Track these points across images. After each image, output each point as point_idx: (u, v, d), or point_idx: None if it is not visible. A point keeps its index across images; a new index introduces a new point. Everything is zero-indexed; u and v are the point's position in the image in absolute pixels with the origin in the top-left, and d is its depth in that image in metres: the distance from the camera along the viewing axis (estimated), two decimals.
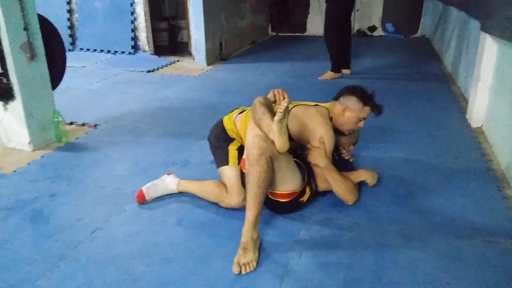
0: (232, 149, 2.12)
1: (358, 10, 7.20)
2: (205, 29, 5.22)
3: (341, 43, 4.51)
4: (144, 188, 2.09)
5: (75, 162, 2.60)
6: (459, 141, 2.84)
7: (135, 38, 5.79)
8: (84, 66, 5.21)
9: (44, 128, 2.82)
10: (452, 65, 4.53)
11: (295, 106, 2.12)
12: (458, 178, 2.33)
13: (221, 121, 2.24)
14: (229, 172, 2.06)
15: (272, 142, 1.71)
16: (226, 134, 2.18)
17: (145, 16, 5.70)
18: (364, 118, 2.16)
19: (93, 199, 2.17)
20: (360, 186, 2.21)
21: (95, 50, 5.92)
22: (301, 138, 2.05)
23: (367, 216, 2.00)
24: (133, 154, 2.71)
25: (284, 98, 2.15)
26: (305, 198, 1.99)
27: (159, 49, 6.03)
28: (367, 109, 2.13)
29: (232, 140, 2.16)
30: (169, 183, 2.14)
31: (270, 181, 1.73)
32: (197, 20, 5.20)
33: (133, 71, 5.00)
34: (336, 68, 4.61)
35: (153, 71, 5.06)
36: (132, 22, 5.73)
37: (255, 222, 1.70)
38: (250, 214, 1.69)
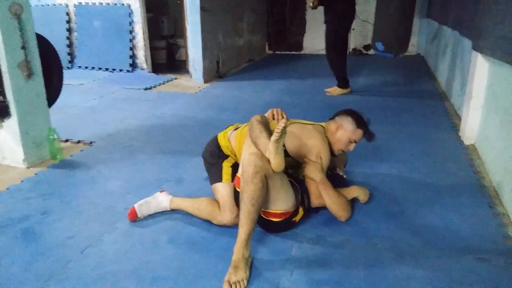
0: (226, 166, 2.13)
1: (353, 29, 7.29)
2: (203, 47, 5.29)
3: (344, 60, 4.57)
4: (136, 206, 2.10)
5: (68, 179, 2.60)
6: (452, 158, 2.86)
7: (133, 56, 5.86)
8: (82, 84, 5.25)
9: (39, 146, 2.83)
10: (446, 83, 4.58)
11: (292, 123, 2.15)
12: (450, 195, 2.34)
13: (216, 138, 2.26)
14: (222, 189, 2.07)
15: (268, 161, 1.72)
16: (221, 151, 2.19)
17: (143, 35, 5.78)
18: (355, 141, 2.18)
19: (86, 217, 2.16)
20: (353, 202, 2.22)
21: (93, 68, 5.99)
22: (298, 154, 2.08)
23: (359, 233, 2.00)
24: (127, 171, 2.72)
25: (282, 118, 2.19)
26: (298, 218, 1.99)
27: (157, 67, 6.10)
28: (359, 132, 2.17)
29: (227, 157, 2.17)
30: (162, 200, 2.14)
31: (264, 199, 1.74)
32: (194, 38, 5.28)
33: (131, 88, 5.04)
34: (343, 84, 4.68)
35: (150, 88, 5.11)
36: (131, 40, 5.81)
37: (247, 240, 1.70)
38: (243, 232, 1.69)
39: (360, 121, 2.18)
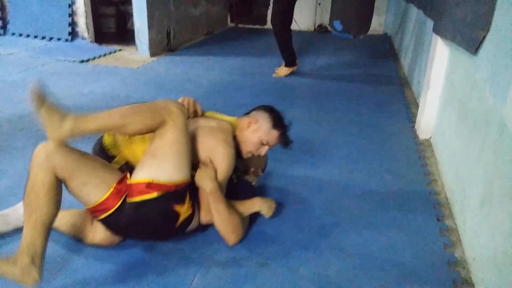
0: None
1: (320, 4, 6.86)
2: (149, 16, 4.76)
3: (290, 36, 4.14)
4: None
5: None
6: (403, 156, 2.55)
7: (73, 24, 5.25)
8: (11, 54, 4.65)
9: None
10: (408, 68, 4.27)
11: (197, 118, 1.77)
12: (394, 204, 2.03)
13: (100, 138, 1.84)
14: None
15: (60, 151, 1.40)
16: (105, 152, 1.78)
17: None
18: (268, 144, 1.80)
19: None
20: (286, 213, 1.88)
21: (28, 35, 5.35)
22: (196, 154, 1.70)
23: (280, 255, 1.65)
24: (22, 165, 2.27)
25: (194, 110, 1.81)
26: (183, 210, 1.55)
27: (103, 37, 5.52)
28: (274, 133, 1.79)
29: (113, 158, 1.76)
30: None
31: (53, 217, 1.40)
32: (139, 5, 4.72)
33: (65, 60, 4.49)
34: (290, 63, 4.25)
35: (87, 61, 4.57)
36: (70, 5, 5.18)
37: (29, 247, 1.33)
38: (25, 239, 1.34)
39: (278, 121, 1.80)
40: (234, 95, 3.60)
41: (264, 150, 1.80)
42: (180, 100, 1.82)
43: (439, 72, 2.65)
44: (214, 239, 1.70)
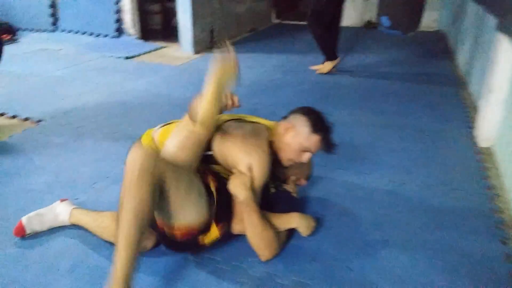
0: None
1: None
2: (193, 14, 4.71)
3: (326, 31, 3.88)
4: (24, 219, 1.64)
5: None
6: (461, 166, 2.32)
7: (119, 21, 5.32)
8: (61, 49, 4.77)
9: None
10: (465, 68, 3.94)
11: (230, 120, 1.65)
12: (450, 222, 1.82)
13: (139, 140, 1.77)
14: None
15: (164, 160, 1.29)
16: None
17: None
18: (309, 150, 1.64)
19: None
20: (328, 226, 1.73)
21: (77, 32, 5.48)
22: (227, 162, 1.58)
23: (320, 274, 1.51)
24: (61, 161, 2.26)
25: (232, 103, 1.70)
26: (208, 239, 1.50)
27: (149, 33, 5.55)
28: (314, 138, 1.61)
29: None
30: (60, 212, 1.68)
31: (151, 213, 1.26)
32: (183, 2, 4.69)
33: (110, 56, 4.54)
34: (330, 57, 4.02)
35: (132, 57, 4.59)
36: (117, 3, 5.25)
37: (125, 277, 1.18)
38: (119, 264, 1.18)
39: (317, 124, 1.63)
40: (275, 94, 3.47)
41: (306, 157, 1.65)
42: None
43: (503, 75, 2.38)
44: (250, 251, 1.58)
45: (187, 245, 1.49)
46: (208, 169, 1.60)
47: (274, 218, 1.60)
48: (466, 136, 2.68)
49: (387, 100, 3.37)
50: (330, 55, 4.02)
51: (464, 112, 3.10)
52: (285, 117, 1.72)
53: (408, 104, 3.28)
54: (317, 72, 4.07)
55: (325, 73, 4.03)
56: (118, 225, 1.21)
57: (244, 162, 1.51)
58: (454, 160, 2.38)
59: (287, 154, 1.63)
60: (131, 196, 1.20)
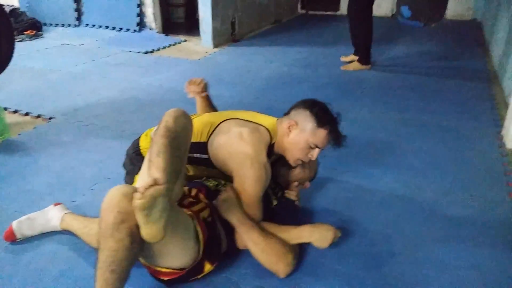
0: None
1: None
2: (212, 5, 4.62)
3: (369, 28, 3.72)
4: (15, 224, 1.60)
5: None
6: (485, 169, 2.13)
7: (140, 14, 5.30)
8: (82, 44, 4.80)
9: None
10: (499, 61, 3.67)
11: (228, 119, 1.55)
12: (468, 234, 1.66)
13: (138, 139, 1.71)
14: None
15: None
16: (140, 154, 1.64)
17: None
18: (317, 146, 1.51)
19: None
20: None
21: (100, 26, 5.50)
22: (223, 168, 1.49)
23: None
24: (66, 160, 2.24)
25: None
26: (201, 276, 1.39)
27: (172, 27, 5.51)
28: (321, 132, 1.49)
29: None
30: (52, 217, 1.63)
31: (133, 261, 1.12)
32: None
33: (130, 51, 4.52)
34: (364, 59, 3.81)
35: (152, 52, 4.56)
36: None
37: None
38: None
39: (323, 117, 1.50)
40: (293, 89, 3.34)
41: (315, 154, 1.53)
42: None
43: None
44: (241, 263, 1.49)
45: (177, 282, 1.36)
46: (200, 188, 1.50)
47: (282, 232, 1.47)
48: (493, 136, 2.48)
49: (412, 96, 3.18)
50: (364, 56, 3.81)
51: (494, 110, 2.88)
52: (286, 113, 1.61)
53: (434, 101, 3.07)
54: (343, 68, 3.88)
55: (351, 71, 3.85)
56: (95, 273, 1.09)
57: (240, 167, 1.42)
58: (477, 162, 2.20)
59: (294, 154, 1.53)
60: (107, 244, 1.07)
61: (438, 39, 4.98)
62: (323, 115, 1.51)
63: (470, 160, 2.22)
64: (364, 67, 3.81)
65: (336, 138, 1.52)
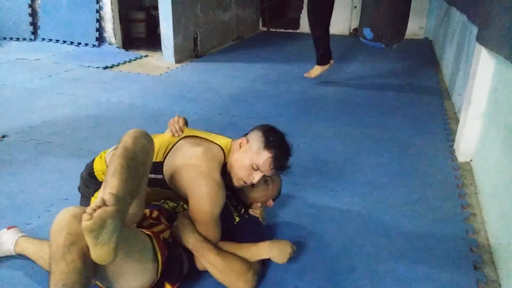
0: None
1: (355, 7, 6.52)
2: (174, 21, 4.62)
3: (326, 30, 3.79)
4: None
5: None
6: (439, 182, 2.23)
7: (100, 29, 5.21)
8: (38, 59, 4.65)
9: None
10: (450, 78, 3.87)
11: (185, 137, 1.55)
12: (424, 246, 1.72)
13: (92, 162, 1.67)
14: None
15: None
16: (94, 177, 1.60)
17: (111, 4, 5.10)
18: (259, 169, 1.51)
19: None
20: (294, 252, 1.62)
21: (57, 41, 5.35)
22: (178, 188, 1.48)
23: None
24: (21, 181, 2.15)
25: (179, 129, 1.60)
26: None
27: (132, 42, 5.45)
28: (265, 154, 1.49)
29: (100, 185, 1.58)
30: (5, 241, 1.56)
31: (86, 284, 1.08)
32: (164, 10, 4.59)
33: (89, 66, 4.43)
34: (323, 60, 3.87)
35: (111, 67, 4.48)
36: (98, 11, 5.15)
37: None
38: None
39: (272, 142, 1.51)
40: (255, 106, 3.37)
41: (257, 177, 1.52)
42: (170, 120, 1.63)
43: (483, 88, 2.31)
44: (208, 280, 1.48)
45: None
46: (161, 210, 1.50)
47: (242, 250, 1.48)
48: (446, 150, 2.60)
49: (370, 112, 3.29)
50: (325, 58, 3.87)
51: (446, 125, 3.02)
52: (245, 134, 1.62)
53: (391, 117, 3.19)
54: (306, 75, 3.95)
55: (313, 77, 3.92)
56: None
57: (192, 189, 1.41)
58: (432, 176, 2.29)
59: (237, 172, 1.52)
60: (58, 267, 1.03)
61: (393, 57, 5.20)
62: (274, 140, 1.52)
63: (425, 174, 2.32)
64: (324, 67, 3.88)
65: (278, 163, 1.51)
